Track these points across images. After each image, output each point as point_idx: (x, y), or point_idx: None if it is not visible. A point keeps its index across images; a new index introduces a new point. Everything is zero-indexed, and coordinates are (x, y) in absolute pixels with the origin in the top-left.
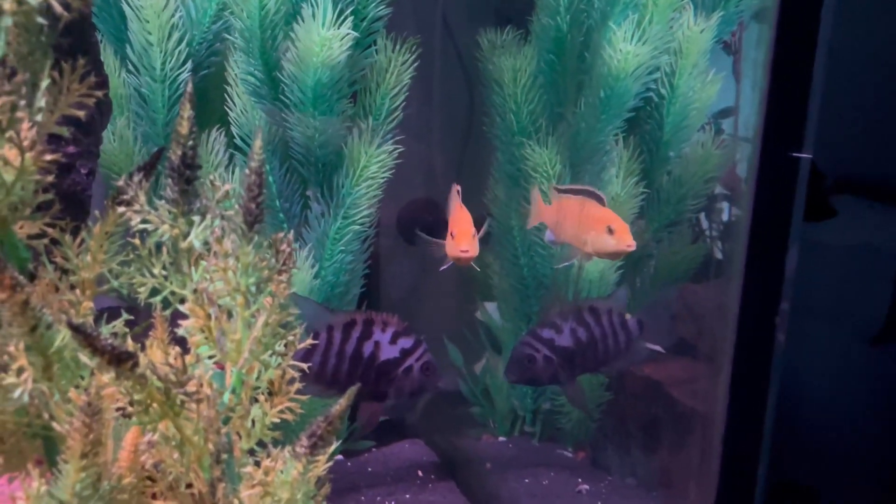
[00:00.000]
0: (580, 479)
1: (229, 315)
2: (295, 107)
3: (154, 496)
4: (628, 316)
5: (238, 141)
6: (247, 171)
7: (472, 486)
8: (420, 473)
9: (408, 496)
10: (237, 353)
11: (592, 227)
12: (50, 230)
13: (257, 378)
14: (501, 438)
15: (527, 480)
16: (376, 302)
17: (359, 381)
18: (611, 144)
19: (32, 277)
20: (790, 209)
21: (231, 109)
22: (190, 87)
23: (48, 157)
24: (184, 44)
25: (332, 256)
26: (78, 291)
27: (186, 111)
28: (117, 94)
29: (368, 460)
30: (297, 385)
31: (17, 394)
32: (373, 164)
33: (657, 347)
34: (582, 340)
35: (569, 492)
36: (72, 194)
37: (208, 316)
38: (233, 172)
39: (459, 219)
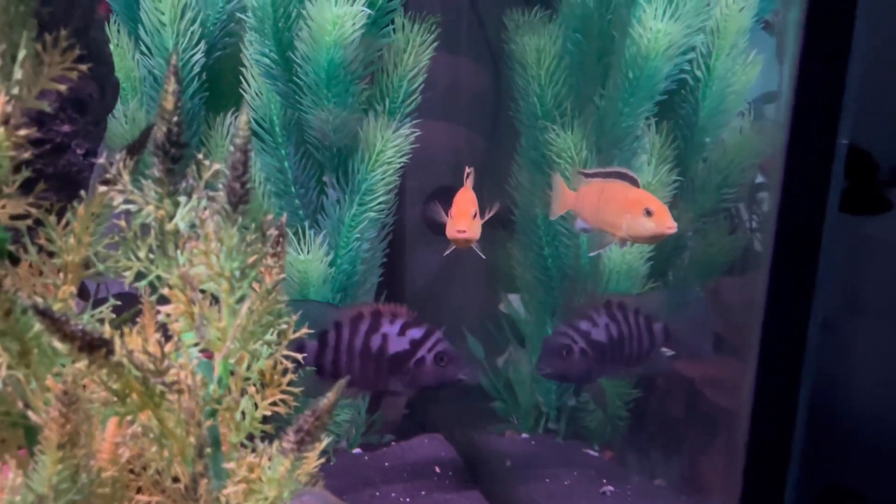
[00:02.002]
0: (605, 480)
1: (216, 301)
2: (308, 89)
3: (139, 490)
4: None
5: (254, 125)
6: (231, 148)
7: (491, 484)
8: (437, 469)
9: (423, 493)
10: (222, 342)
11: (628, 210)
12: (34, 210)
13: (248, 369)
14: (524, 435)
15: (548, 480)
16: (398, 294)
17: (371, 377)
18: (642, 129)
19: (15, 260)
20: (824, 199)
21: (245, 92)
22: (175, 60)
23: (23, 132)
24: (197, 24)
25: (347, 244)
26: (61, 274)
27: (171, 85)
28: (130, 76)
29: (386, 454)
30: (291, 376)
31: None
32: (389, 148)
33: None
34: (614, 337)
35: (592, 493)
36: (66, 175)
37: (191, 301)
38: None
39: (460, 199)
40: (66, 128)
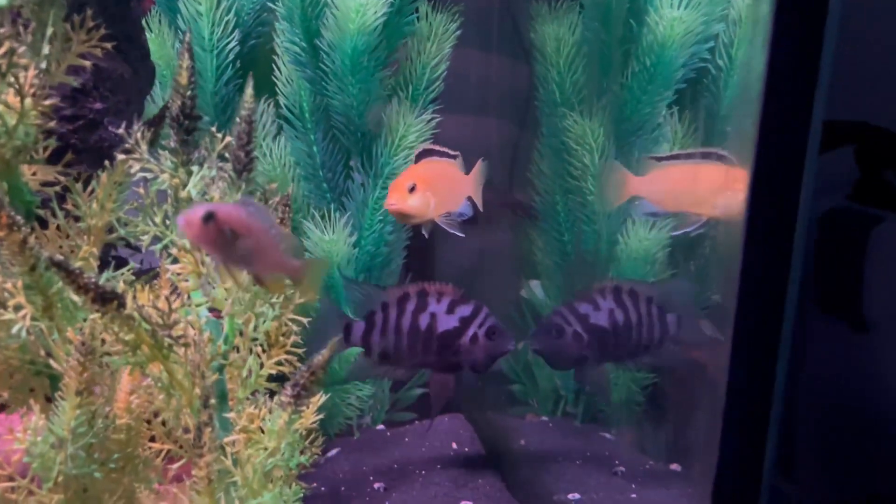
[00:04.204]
0: (617, 462)
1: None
2: (334, 75)
3: (153, 439)
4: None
5: (284, 111)
6: (237, 119)
7: (503, 460)
8: (454, 446)
9: (439, 466)
10: (231, 302)
11: (729, 188)
12: (62, 178)
13: (255, 329)
14: (543, 418)
15: (560, 459)
16: (423, 276)
17: (421, 356)
18: (664, 118)
19: (44, 224)
20: (797, 187)
21: (277, 79)
22: (188, 37)
23: (47, 101)
24: (231, 13)
25: (371, 226)
26: (85, 237)
27: (185, 61)
28: (170, 64)
29: (408, 431)
30: (295, 338)
31: (15, 330)
32: (411, 133)
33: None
34: (618, 323)
35: (603, 472)
36: (99, 149)
37: (198, 262)
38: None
39: (402, 174)
40: (98, 105)
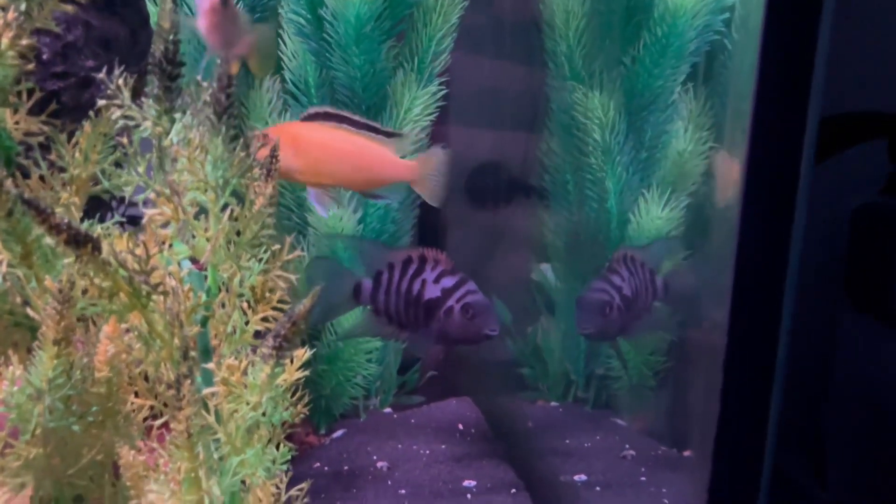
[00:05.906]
0: (627, 446)
1: (203, 212)
2: (338, 46)
3: (136, 396)
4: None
5: (290, 86)
6: (218, 62)
7: (510, 442)
8: (461, 427)
9: (444, 447)
10: (210, 250)
11: None
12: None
13: (241, 284)
14: (553, 403)
15: (567, 441)
16: None
17: (411, 322)
18: (678, 94)
19: (25, 173)
20: (795, 170)
21: (283, 53)
22: None
23: (24, 41)
24: None
25: (376, 202)
26: (69, 187)
27: (167, 4)
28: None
29: (414, 413)
30: (281, 294)
31: None
32: (416, 106)
33: None
34: (635, 291)
35: (611, 456)
36: (90, 108)
37: (177, 209)
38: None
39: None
40: (90, 63)
